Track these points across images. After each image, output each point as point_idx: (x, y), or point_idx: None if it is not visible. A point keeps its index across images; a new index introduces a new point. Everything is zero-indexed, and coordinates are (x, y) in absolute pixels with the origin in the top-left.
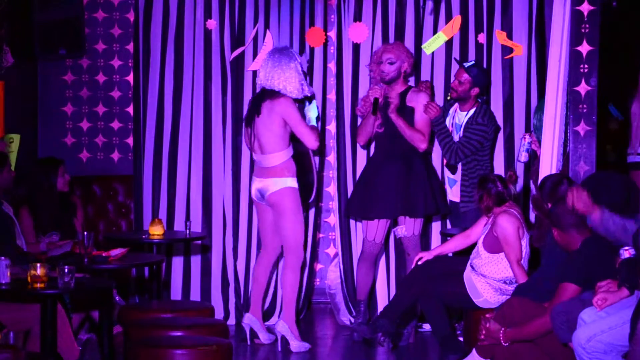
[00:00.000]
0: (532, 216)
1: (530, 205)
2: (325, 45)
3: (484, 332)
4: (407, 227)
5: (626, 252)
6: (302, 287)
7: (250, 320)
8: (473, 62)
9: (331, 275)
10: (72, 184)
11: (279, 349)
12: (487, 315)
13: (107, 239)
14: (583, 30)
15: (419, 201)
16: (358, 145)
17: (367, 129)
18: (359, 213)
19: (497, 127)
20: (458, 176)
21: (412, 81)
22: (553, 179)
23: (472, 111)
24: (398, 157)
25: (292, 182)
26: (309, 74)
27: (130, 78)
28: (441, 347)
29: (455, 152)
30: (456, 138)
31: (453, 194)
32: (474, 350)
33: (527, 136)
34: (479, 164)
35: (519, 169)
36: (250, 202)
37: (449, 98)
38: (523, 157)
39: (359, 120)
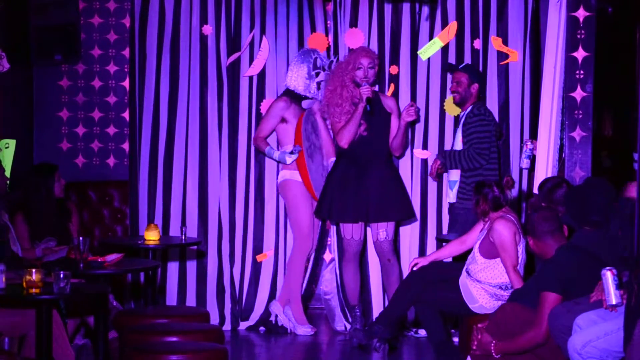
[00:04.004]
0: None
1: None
2: (328, 50)
3: (475, 342)
4: (388, 230)
5: (609, 272)
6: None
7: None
8: (464, 64)
9: (327, 281)
10: (67, 189)
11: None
12: (479, 326)
13: (103, 245)
14: (579, 36)
15: (400, 204)
16: (341, 146)
17: (353, 131)
18: (339, 216)
19: (499, 132)
20: (458, 176)
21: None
22: (553, 181)
23: (469, 108)
24: (383, 161)
25: (291, 175)
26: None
27: (126, 83)
28: (436, 353)
29: (473, 158)
30: (458, 134)
31: (452, 196)
32: (468, 358)
33: (528, 142)
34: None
35: (516, 175)
36: (247, 207)
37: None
38: (525, 163)
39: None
